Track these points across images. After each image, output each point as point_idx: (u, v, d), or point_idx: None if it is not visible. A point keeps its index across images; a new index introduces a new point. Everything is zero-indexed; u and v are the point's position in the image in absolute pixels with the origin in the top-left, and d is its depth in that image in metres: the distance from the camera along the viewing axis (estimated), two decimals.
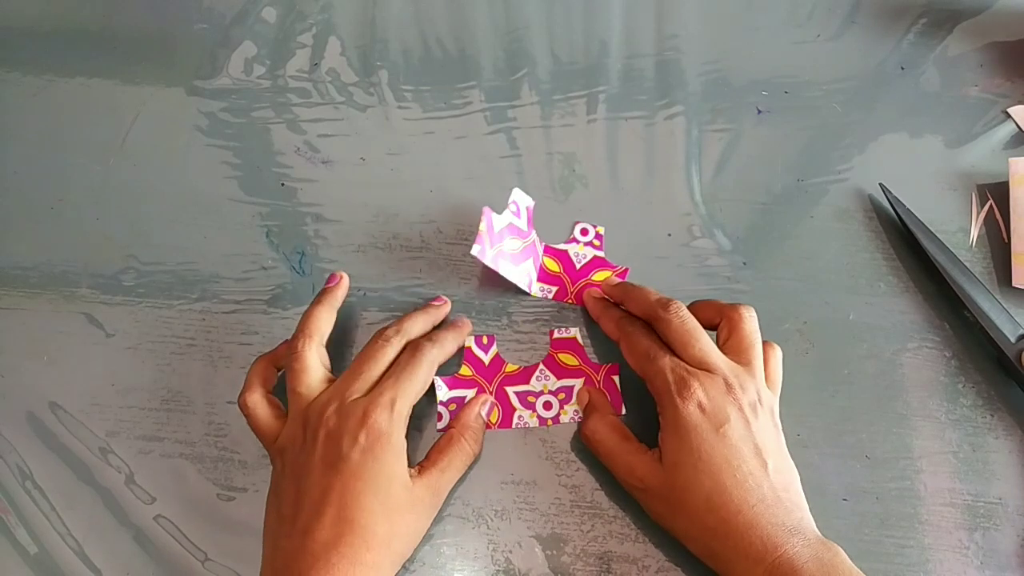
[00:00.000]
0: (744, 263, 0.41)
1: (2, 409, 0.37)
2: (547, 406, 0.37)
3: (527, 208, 0.40)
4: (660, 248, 0.41)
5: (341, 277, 0.37)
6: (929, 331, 0.39)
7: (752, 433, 0.31)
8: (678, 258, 0.41)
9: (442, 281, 0.40)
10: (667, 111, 0.44)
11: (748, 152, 0.43)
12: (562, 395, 0.37)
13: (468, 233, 0.41)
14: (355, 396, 0.32)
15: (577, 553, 0.35)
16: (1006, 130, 0.44)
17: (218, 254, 0.41)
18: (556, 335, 0.39)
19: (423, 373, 0.34)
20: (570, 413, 0.37)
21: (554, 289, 0.39)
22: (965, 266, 0.39)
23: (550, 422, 0.37)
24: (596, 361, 0.38)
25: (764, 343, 0.34)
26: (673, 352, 0.33)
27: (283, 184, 0.42)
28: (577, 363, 0.38)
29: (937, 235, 0.40)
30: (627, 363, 0.35)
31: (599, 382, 0.37)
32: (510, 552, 0.35)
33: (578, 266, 0.40)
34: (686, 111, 0.44)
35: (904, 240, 0.41)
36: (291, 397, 0.34)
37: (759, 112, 0.45)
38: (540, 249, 0.40)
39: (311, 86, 0.45)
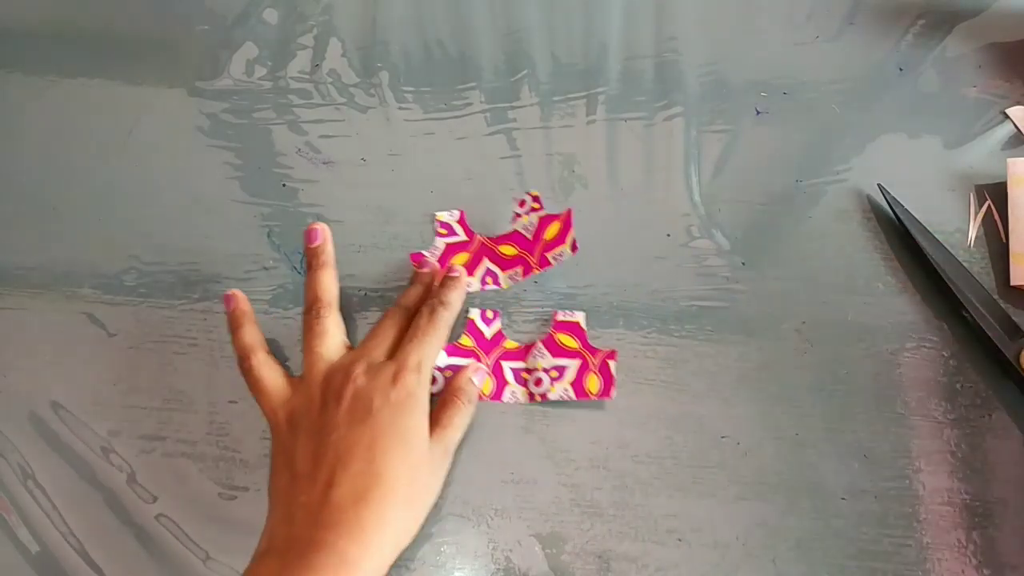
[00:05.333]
0: (743, 263, 0.41)
1: (4, 408, 0.37)
2: (538, 382, 0.37)
3: (456, 220, 0.41)
4: (659, 248, 0.41)
5: (320, 229, 0.38)
6: (927, 331, 0.39)
7: None
8: (677, 258, 0.41)
9: None
10: (666, 112, 0.45)
11: (747, 153, 0.44)
12: (555, 373, 0.37)
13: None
14: (380, 358, 0.34)
15: (577, 552, 0.35)
16: (1004, 131, 0.44)
17: (220, 254, 0.41)
18: (560, 317, 0.39)
19: (441, 334, 0.36)
20: (558, 391, 0.37)
21: (519, 269, 0.39)
22: (963, 266, 0.39)
23: (538, 398, 0.37)
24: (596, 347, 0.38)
25: None
26: None
27: (284, 184, 0.42)
28: (576, 346, 0.38)
29: (935, 235, 0.40)
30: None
31: (596, 366, 0.37)
32: (510, 551, 0.35)
33: (530, 236, 0.40)
34: (685, 112, 0.45)
35: (902, 240, 0.41)
36: (310, 358, 0.35)
37: (758, 113, 0.45)
38: (492, 243, 0.40)
39: (312, 87, 0.45)
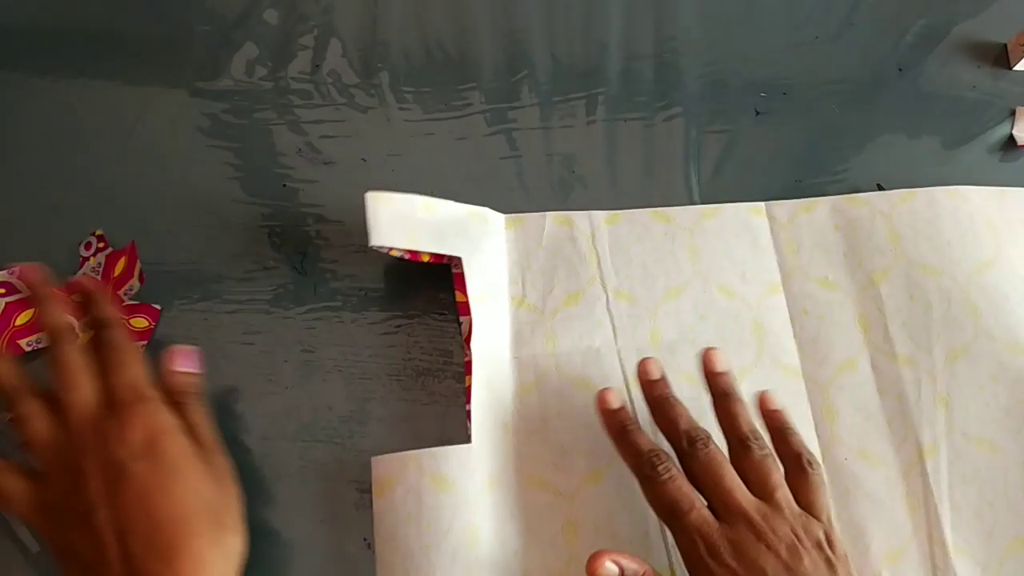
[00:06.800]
0: None
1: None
2: None
3: (16, 277, 0.38)
4: None
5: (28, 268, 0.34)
6: None
7: None
8: None
9: (442, 281, 0.40)
10: (666, 112, 0.45)
11: (746, 153, 0.44)
12: None
13: None
14: (91, 403, 0.31)
15: None
16: (1004, 131, 0.44)
17: (220, 254, 0.41)
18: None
19: (131, 349, 0.33)
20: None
21: None
22: None
23: None
24: None
25: (796, 470, 0.31)
26: (697, 489, 0.31)
27: (285, 185, 0.43)
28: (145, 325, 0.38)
29: None
30: None
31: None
32: None
33: (99, 276, 0.39)
34: (685, 112, 0.45)
35: None
36: (36, 449, 0.31)
37: (757, 113, 0.45)
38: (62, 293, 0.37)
39: (312, 87, 0.45)
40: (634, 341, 0.38)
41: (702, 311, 0.38)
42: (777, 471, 0.31)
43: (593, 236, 0.40)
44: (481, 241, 0.39)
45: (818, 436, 0.36)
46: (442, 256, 0.38)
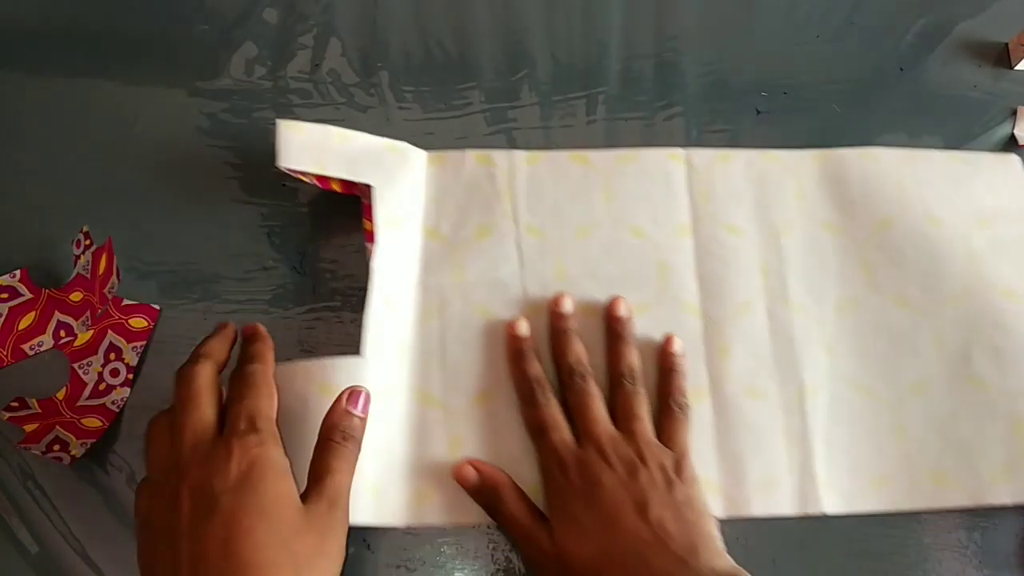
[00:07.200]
0: None
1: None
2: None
3: (18, 280, 0.38)
4: None
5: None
6: None
7: (629, 491, 0.32)
8: None
9: None
10: (666, 112, 0.45)
11: None
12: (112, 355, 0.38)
13: None
14: (209, 428, 0.29)
15: None
16: (1005, 131, 0.44)
17: (219, 254, 0.41)
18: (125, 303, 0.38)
19: (262, 386, 0.31)
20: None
21: (87, 315, 0.38)
22: None
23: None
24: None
25: (665, 408, 0.36)
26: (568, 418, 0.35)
27: (284, 185, 0.42)
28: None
29: None
30: None
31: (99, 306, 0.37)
32: (510, 551, 0.35)
33: (88, 275, 0.38)
34: (685, 112, 0.45)
35: None
36: (150, 462, 0.30)
37: (758, 113, 0.45)
38: (61, 294, 0.38)
39: (312, 87, 0.45)
40: (539, 275, 0.39)
41: (609, 249, 0.40)
42: (642, 407, 0.35)
43: (511, 174, 0.41)
44: (396, 172, 0.39)
45: (708, 371, 0.38)
46: (354, 187, 0.39)
